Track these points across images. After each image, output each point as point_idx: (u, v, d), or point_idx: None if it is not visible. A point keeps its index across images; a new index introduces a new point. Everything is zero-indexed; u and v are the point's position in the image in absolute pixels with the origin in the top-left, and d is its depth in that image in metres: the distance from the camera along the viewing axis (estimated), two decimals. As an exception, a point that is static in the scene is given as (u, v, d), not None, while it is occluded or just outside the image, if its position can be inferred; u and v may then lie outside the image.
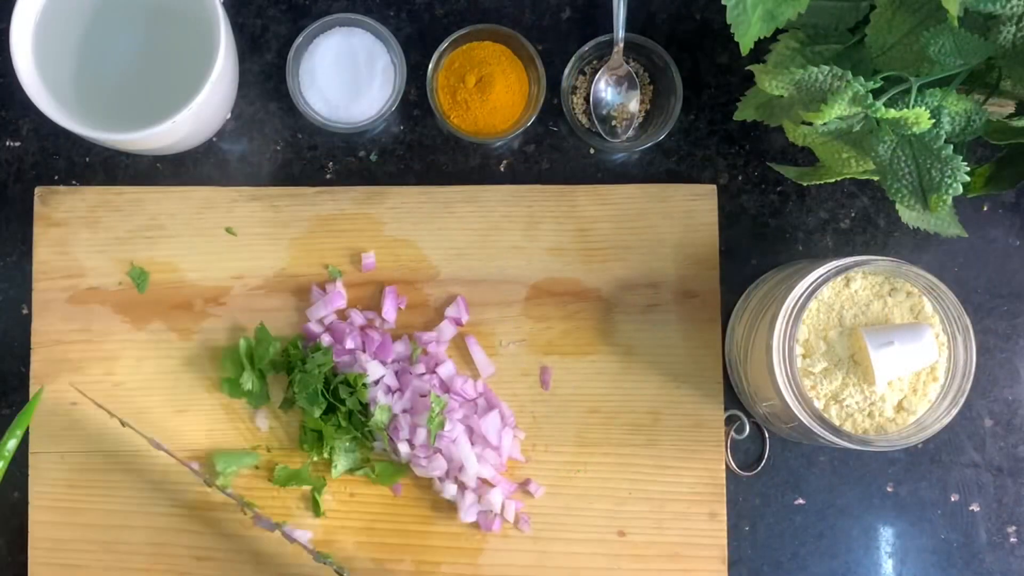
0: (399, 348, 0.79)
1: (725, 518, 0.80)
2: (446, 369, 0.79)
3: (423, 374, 0.79)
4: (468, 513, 0.78)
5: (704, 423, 0.80)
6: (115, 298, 0.80)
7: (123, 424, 0.76)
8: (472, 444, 0.78)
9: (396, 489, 0.79)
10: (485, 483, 0.78)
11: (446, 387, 0.79)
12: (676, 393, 0.80)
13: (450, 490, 0.78)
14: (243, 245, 0.81)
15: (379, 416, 0.77)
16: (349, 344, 0.78)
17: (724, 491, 0.80)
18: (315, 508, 0.79)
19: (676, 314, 0.81)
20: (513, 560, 0.79)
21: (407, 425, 0.77)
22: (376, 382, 0.78)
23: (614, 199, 0.82)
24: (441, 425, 0.77)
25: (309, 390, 0.77)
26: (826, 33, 0.72)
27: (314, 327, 0.80)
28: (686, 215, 0.81)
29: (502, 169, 0.83)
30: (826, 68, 0.63)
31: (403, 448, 0.77)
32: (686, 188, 0.82)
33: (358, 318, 0.79)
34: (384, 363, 0.79)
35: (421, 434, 0.76)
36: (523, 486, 0.80)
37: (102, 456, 0.79)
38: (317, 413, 0.77)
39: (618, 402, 0.80)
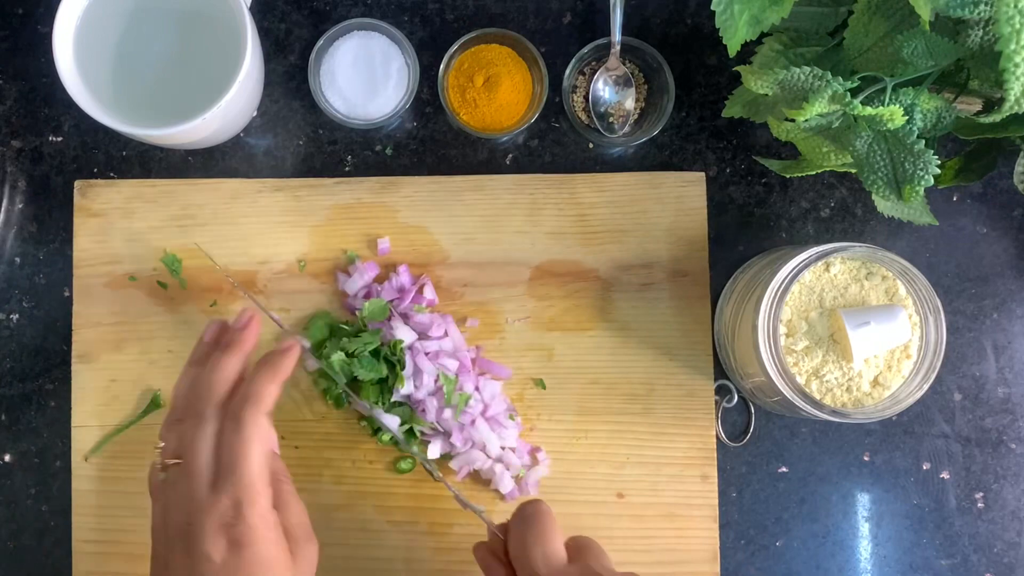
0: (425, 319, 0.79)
1: (716, 480, 0.80)
2: (449, 343, 0.79)
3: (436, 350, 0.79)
4: (503, 483, 0.78)
5: (695, 392, 0.81)
6: (150, 283, 0.81)
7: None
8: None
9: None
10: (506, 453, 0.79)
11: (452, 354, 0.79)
12: (669, 365, 0.81)
13: (483, 464, 0.79)
14: (268, 232, 0.81)
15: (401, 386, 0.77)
16: (388, 296, 0.79)
17: (715, 455, 0.81)
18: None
19: (669, 292, 0.81)
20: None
21: (434, 408, 0.78)
22: (409, 347, 0.78)
23: (610, 186, 0.82)
24: (466, 401, 0.77)
25: (365, 359, 0.77)
26: (808, 36, 0.73)
27: (353, 301, 0.80)
28: (677, 200, 0.82)
29: (507, 162, 0.83)
30: (807, 69, 0.64)
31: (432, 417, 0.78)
32: (677, 175, 0.83)
33: (396, 280, 0.80)
34: (415, 330, 0.79)
35: (447, 413, 0.77)
36: (533, 452, 0.80)
37: (138, 428, 0.80)
38: (377, 377, 0.77)
39: (616, 374, 0.81)
